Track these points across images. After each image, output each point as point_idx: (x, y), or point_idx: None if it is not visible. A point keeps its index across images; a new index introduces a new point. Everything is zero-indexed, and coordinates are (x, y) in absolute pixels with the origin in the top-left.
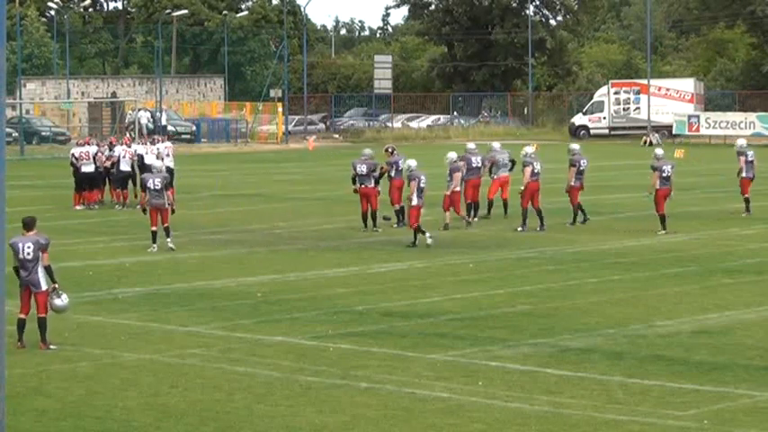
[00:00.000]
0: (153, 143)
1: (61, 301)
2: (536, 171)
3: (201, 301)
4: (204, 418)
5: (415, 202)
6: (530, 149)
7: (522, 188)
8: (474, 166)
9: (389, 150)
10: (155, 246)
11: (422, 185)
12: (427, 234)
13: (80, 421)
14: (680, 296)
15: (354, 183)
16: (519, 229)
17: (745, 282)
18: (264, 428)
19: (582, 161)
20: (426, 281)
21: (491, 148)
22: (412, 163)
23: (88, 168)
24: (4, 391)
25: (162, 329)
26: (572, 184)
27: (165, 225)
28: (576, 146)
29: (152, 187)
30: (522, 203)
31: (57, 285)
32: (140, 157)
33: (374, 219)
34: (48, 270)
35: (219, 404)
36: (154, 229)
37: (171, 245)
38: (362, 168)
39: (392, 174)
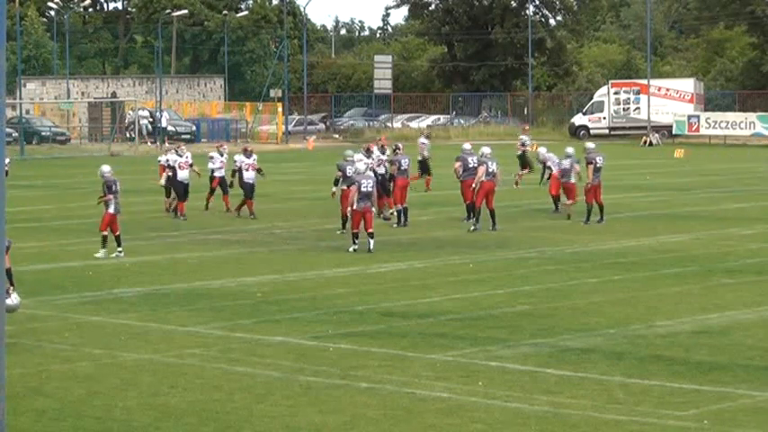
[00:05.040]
0: (179, 153)
1: (11, 300)
2: (490, 171)
3: (201, 301)
4: (204, 418)
5: (355, 206)
6: (486, 150)
7: (475, 186)
8: (470, 166)
9: (395, 148)
10: (119, 251)
11: (363, 189)
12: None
13: (80, 421)
14: (680, 296)
15: (336, 185)
16: (471, 228)
17: (745, 282)
18: (264, 428)
19: (597, 158)
20: (426, 281)
21: (462, 149)
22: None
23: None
24: (4, 391)
25: (161, 329)
26: (590, 182)
27: (117, 234)
28: (590, 144)
29: (115, 189)
30: (475, 203)
31: (10, 288)
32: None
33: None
34: (8, 272)
35: (219, 404)
36: (105, 233)
37: (117, 253)
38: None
39: (395, 173)
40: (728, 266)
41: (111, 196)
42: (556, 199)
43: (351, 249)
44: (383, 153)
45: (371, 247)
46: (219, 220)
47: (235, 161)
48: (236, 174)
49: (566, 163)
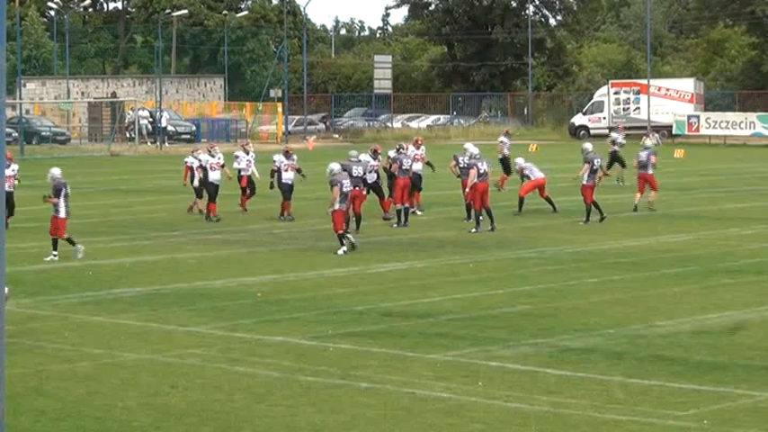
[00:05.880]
0: (212, 153)
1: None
2: (482, 171)
3: (201, 301)
4: (204, 418)
5: (336, 206)
6: (475, 150)
7: (468, 189)
8: (461, 166)
9: (398, 147)
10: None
11: (344, 190)
12: (344, 246)
13: (80, 421)
14: (680, 296)
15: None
16: (473, 230)
17: (745, 282)
18: (264, 428)
19: (596, 160)
20: (426, 281)
21: (463, 148)
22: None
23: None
24: (4, 391)
25: (162, 329)
26: (584, 182)
27: (64, 237)
28: (588, 145)
29: (65, 193)
30: (474, 205)
31: None
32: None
33: (357, 222)
34: None
35: (219, 404)
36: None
37: (80, 255)
38: (359, 170)
39: (396, 172)
40: (728, 266)
41: (57, 200)
42: (522, 200)
43: (340, 252)
44: (417, 149)
45: (356, 227)
46: (220, 220)
47: (274, 161)
48: (275, 174)
49: (643, 155)
